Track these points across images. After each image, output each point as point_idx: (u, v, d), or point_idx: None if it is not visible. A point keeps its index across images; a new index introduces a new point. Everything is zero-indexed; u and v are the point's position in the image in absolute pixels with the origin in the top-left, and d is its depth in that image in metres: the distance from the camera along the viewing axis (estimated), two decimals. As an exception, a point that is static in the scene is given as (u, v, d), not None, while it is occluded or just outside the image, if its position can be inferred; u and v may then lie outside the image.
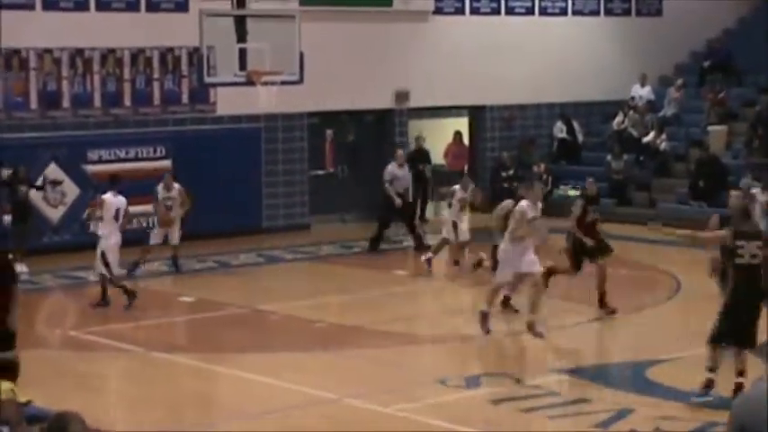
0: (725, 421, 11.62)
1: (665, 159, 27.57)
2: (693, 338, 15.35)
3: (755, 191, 19.38)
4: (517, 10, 28.65)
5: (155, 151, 23.56)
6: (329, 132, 26.59)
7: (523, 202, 15.82)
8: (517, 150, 28.58)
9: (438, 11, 27.36)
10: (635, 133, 28.16)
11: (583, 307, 17.63)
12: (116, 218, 17.81)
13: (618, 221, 24.68)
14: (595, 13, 29.89)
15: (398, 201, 22.53)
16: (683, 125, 28.55)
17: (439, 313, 18.61)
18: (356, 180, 26.86)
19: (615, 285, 17.23)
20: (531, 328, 15.39)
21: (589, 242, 16.93)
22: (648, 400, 12.76)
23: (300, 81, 21.25)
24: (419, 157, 26.41)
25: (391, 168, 23.07)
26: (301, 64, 21.25)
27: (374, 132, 27.20)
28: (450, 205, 20.80)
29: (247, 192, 24.68)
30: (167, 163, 23.32)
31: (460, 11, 27.83)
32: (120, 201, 17.92)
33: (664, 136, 27.80)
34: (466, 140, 28.78)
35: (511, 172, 27.74)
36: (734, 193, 18.20)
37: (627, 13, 30.45)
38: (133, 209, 19.08)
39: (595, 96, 29.40)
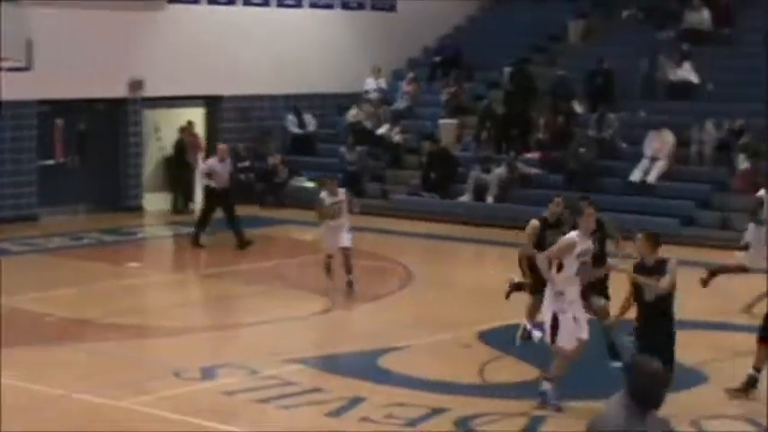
0: (452, 407, 12.03)
1: (399, 151, 28.08)
2: (424, 327, 15.77)
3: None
4: (254, 0, 28.59)
5: None
6: (59, 121, 25.81)
7: (573, 233, 12.28)
8: (253, 142, 28.53)
9: (174, -1, 27.05)
10: (369, 125, 28.57)
11: (316, 296, 17.76)
12: None
13: (351, 212, 24.99)
14: (330, 6, 30.13)
15: None
16: (416, 118, 29.15)
17: (174, 305, 18.32)
18: (87, 171, 26.19)
19: (359, 274, 17.41)
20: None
21: (527, 280, 14.38)
22: (381, 387, 12.94)
23: (29, 68, 20.61)
24: (185, 148, 26.32)
25: (212, 162, 22.18)
26: (29, 50, 20.63)
27: (107, 122, 26.59)
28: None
29: (-29, 182, 23.76)
30: None
31: (197, 0, 27.57)
32: None
33: (397, 128, 28.32)
34: (201, 131, 28.51)
35: (247, 163, 27.70)
36: None
37: (362, 7, 30.83)
38: None
39: (330, 89, 29.66)
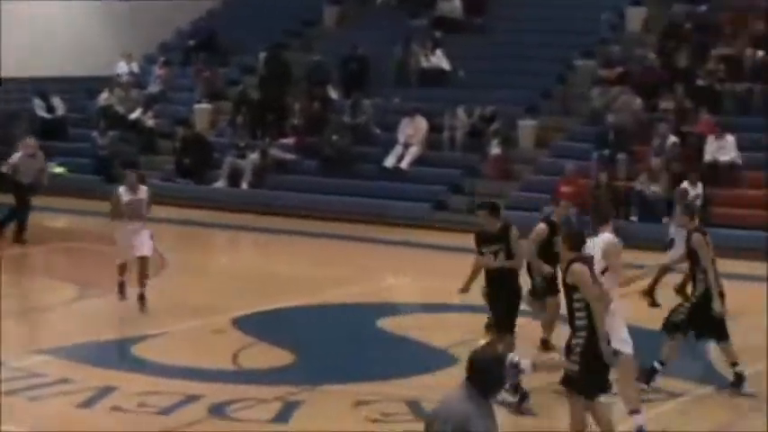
0: (207, 394, 11.89)
1: (152, 136, 27.64)
2: (178, 314, 15.54)
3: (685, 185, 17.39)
4: (-1, -19, 27.61)
5: None
6: None
7: (607, 234, 11.02)
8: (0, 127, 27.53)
9: None
10: (121, 110, 27.99)
11: (67, 285, 17.30)
12: None
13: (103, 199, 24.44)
14: (81, -12, 29.43)
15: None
16: (170, 103, 28.75)
17: None
18: None
19: (109, 261, 16.94)
20: None
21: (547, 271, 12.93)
22: (133, 376, 12.68)
23: None
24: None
25: (19, 156, 20.96)
26: None
27: None
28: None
29: None
30: None
31: (-63, -22, 26.43)
32: None
33: (150, 113, 27.86)
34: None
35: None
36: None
37: (113, -11, 30.21)
38: None
39: (80, 72, 28.88)
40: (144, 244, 15.59)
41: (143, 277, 15.56)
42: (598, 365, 9.62)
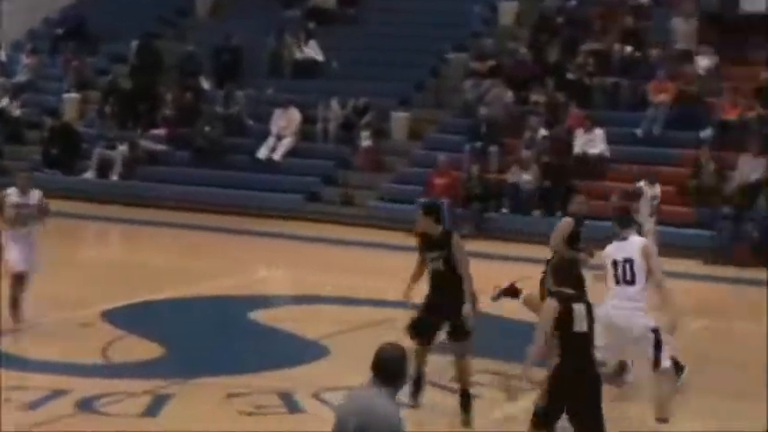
0: (74, 388, 11.64)
1: (18, 126, 27.09)
2: (45, 306, 15.20)
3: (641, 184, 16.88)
4: None
5: None
6: None
7: (637, 237, 11.22)
8: None
9: None
10: (-13, 99, 27.42)
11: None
12: None
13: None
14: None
15: None
16: (38, 92, 28.21)
17: None
18: None
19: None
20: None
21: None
22: (-4, 371, 12.40)
23: None
24: None
25: None
26: None
27: None
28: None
29: None
30: None
31: None
32: None
33: (17, 102, 27.30)
34: None
35: None
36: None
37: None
38: None
39: (-56, 59, 28.21)
40: (27, 259, 14.14)
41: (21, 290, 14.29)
42: (559, 394, 8.87)
